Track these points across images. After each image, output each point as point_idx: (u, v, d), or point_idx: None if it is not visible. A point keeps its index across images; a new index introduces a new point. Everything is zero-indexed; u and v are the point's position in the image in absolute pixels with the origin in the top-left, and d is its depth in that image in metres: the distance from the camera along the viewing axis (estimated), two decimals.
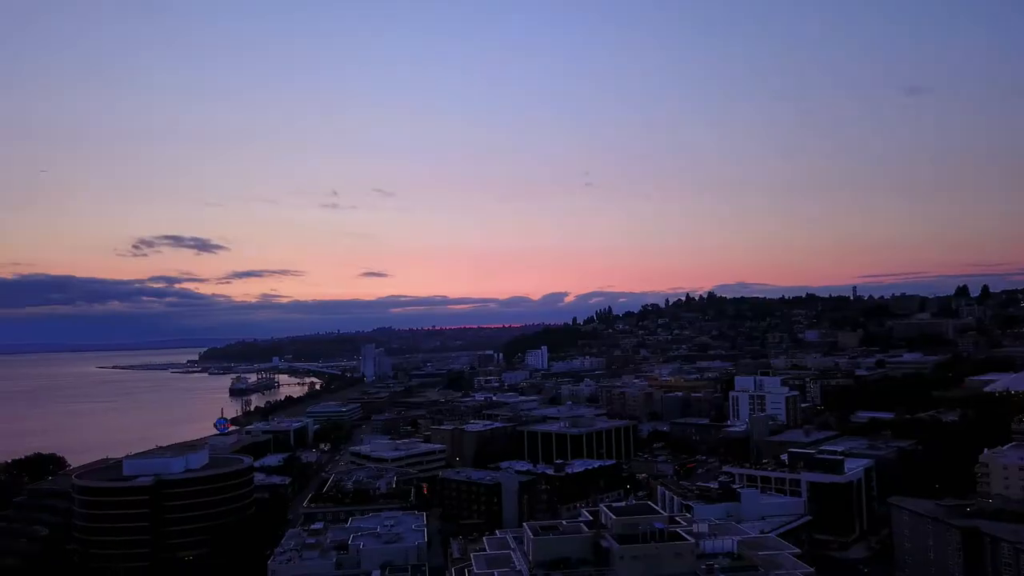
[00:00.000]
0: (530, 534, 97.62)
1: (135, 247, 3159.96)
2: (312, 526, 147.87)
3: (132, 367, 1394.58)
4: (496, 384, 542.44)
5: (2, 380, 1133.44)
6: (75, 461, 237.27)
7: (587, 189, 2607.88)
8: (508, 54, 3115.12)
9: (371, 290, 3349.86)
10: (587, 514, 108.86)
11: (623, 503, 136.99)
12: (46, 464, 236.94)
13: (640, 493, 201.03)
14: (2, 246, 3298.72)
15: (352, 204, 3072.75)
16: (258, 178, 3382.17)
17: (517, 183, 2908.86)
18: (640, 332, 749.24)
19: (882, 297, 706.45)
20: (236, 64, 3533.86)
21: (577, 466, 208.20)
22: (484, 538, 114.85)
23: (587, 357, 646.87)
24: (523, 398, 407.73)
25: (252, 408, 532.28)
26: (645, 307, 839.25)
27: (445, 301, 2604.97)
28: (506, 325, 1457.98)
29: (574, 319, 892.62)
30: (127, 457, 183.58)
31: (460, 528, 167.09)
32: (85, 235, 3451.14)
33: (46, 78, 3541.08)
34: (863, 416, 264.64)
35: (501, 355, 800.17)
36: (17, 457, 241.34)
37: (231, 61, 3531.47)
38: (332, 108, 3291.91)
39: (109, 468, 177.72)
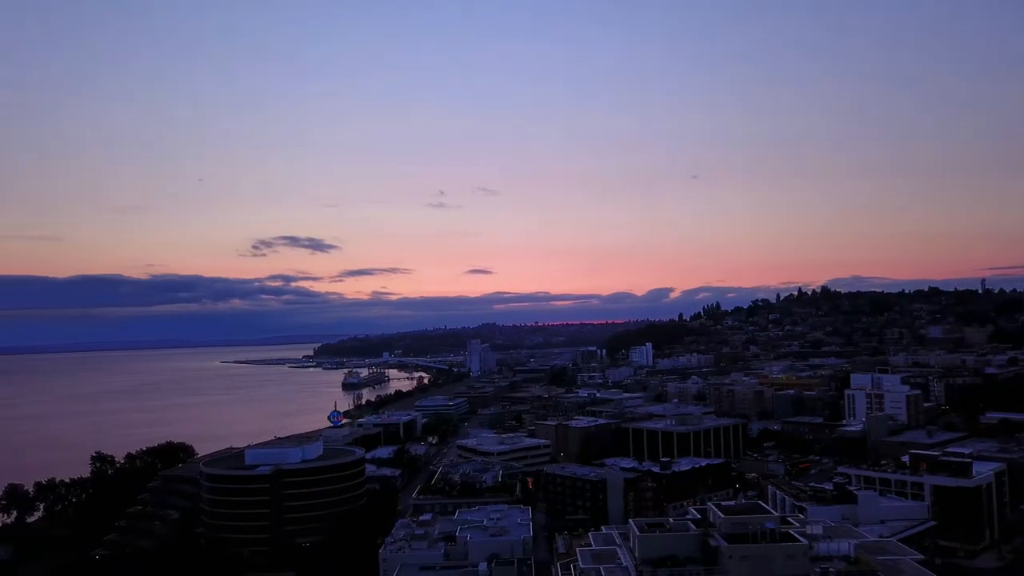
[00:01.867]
0: (636, 531, 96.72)
1: (255, 248, 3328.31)
2: (421, 517, 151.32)
3: (252, 362, 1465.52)
4: (599, 380, 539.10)
5: (137, 373, 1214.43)
6: (202, 450, 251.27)
7: (694, 182, 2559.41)
8: (610, 49, 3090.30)
9: (476, 287, 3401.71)
10: (695, 512, 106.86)
11: (732, 502, 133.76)
12: (176, 452, 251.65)
13: (750, 493, 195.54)
14: (137, 249, 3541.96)
15: (458, 203, 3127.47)
16: (369, 181, 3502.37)
17: (622, 178, 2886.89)
18: (750, 328, 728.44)
19: (1015, 290, 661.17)
20: (350, 75, 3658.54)
21: (684, 464, 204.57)
22: (589, 534, 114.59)
23: (694, 354, 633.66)
24: (627, 395, 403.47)
25: (363, 402, 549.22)
26: (755, 302, 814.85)
27: (548, 297, 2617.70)
28: (609, 321, 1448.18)
29: (680, 315, 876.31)
30: (249, 447, 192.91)
31: (565, 523, 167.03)
32: (210, 237, 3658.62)
33: (177, 90, 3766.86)
34: (993, 417, 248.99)
35: (604, 351, 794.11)
36: (151, 445, 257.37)
37: (346, 72, 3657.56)
38: (438, 111, 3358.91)
39: (232, 457, 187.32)
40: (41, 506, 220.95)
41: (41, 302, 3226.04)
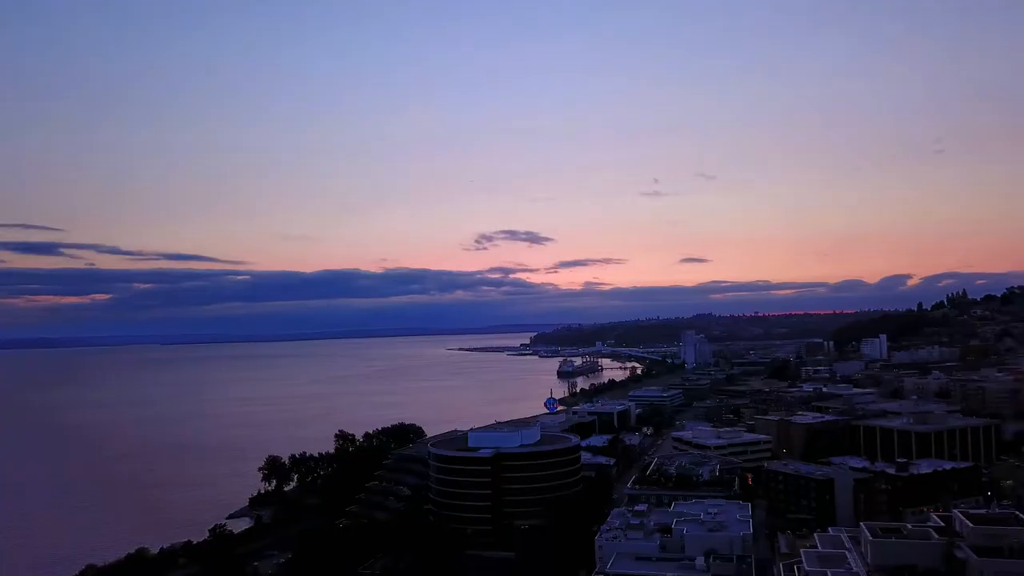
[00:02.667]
0: (868, 535, 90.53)
1: (477, 241, 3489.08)
2: (636, 507, 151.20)
3: (474, 349, 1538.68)
4: (826, 374, 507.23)
5: (372, 359, 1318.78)
6: (430, 431, 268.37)
7: (938, 157, 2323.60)
8: (830, 17, 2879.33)
9: (691, 276, 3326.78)
10: (937, 520, 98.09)
11: (983, 511, 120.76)
12: (407, 432, 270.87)
13: (1004, 502, 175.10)
14: (374, 245, 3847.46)
15: (673, 190, 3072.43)
16: (583, 173, 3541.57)
17: (853, 156, 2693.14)
18: (1004, 318, 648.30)
19: None
20: (565, 70, 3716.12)
21: (924, 467, 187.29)
22: (815, 535, 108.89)
23: (935, 347, 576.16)
24: (858, 390, 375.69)
25: (578, 390, 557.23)
26: (1010, 290, 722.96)
27: (768, 286, 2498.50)
28: (837, 311, 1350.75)
29: (919, 304, 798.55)
30: (471, 430, 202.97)
31: (787, 522, 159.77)
32: (438, 232, 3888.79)
33: (408, 94, 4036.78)
34: None
35: (831, 344, 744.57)
36: (385, 425, 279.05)
37: (561, 67, 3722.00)
38: (652, 98, 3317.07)
39: (457, 439, 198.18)
40: (295, 477, 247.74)
41: (295, 295, 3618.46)
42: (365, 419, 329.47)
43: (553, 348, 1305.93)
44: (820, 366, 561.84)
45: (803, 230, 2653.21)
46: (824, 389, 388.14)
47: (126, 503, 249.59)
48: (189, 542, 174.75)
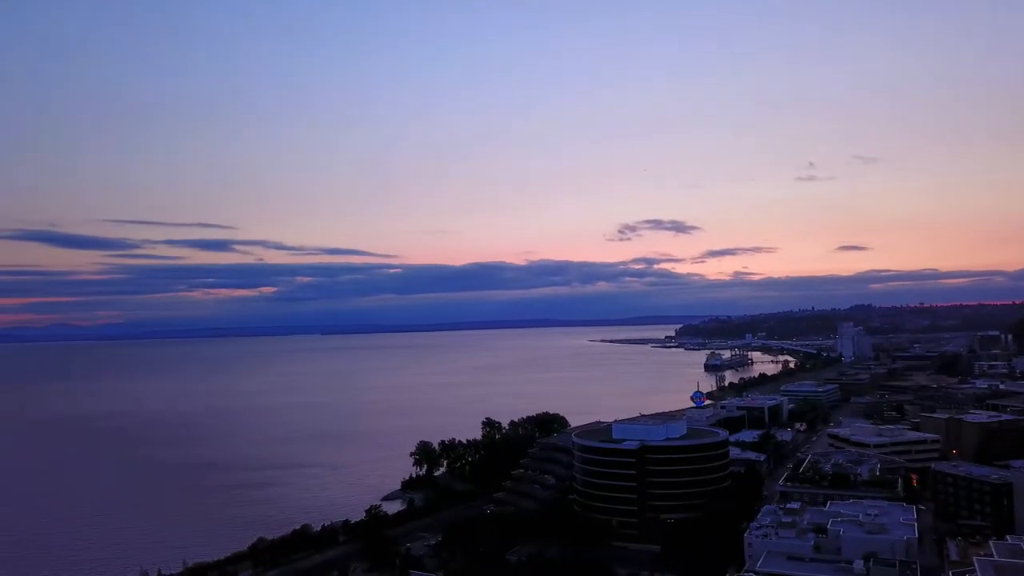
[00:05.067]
0: None
1: (620, 232, 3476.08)
2: (788, 505, 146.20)
3: (617, 341, 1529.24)
4: (1003, 370, 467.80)
5: (516, 349, 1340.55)
6: (574, 421, 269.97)
7: None
8: None
9: (848, 265, 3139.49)
10: None
11: None
12: (552, 422, 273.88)
13: None
14: (518, 238, 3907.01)
15: (830, 174, 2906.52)
16: (732, 158, 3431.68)
17: None
18: None
19: None
20: (710, 56, 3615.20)
21: None
22: (991, 542, 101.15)
23: None
24: None
25: (726, 384, 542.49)
26: None
27: (936, 275, 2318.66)
28: (1017, 302, 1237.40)
29: None
30: (616, 422, 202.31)
31: (958, 528, 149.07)
32: (580, 224, 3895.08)
33: (543, 84, 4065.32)
34: None
35: (1010, 337, 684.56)
36: (530, 414, 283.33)
37: (695, 51, 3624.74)
38: (805, 77, 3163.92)
39: (601, 430, 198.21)
40: (444, 462, 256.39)
41: (444, 286, 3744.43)
42: (510, 408, 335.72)
43: (700, 341, 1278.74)
44: (997, 361, 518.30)
45: (978, 213, 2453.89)
46: (1001, 386, 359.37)
47: (292, 482, 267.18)
48: (347, 521, 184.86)
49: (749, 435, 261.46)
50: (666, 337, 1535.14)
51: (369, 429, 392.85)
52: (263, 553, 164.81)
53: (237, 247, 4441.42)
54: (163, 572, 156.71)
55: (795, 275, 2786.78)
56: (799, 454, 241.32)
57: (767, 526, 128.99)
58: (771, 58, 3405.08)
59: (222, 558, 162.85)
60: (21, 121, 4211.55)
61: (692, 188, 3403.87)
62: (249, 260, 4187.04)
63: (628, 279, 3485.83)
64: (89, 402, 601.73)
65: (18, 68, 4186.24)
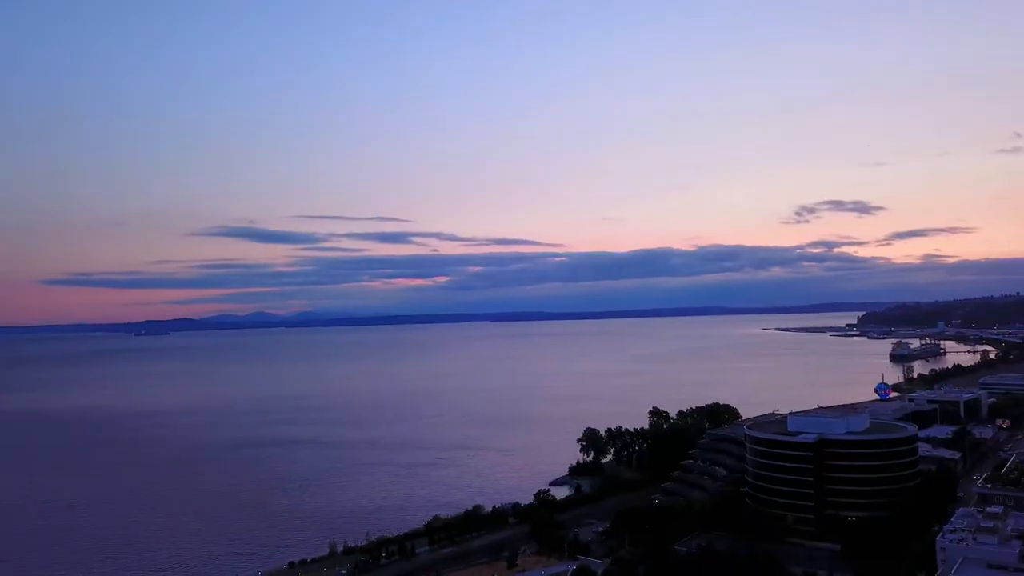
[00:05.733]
0: None
1: (797, 214, 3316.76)
2: (988, 508, 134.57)
3: (792, 329, 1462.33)
4: None
5: (686, 338, 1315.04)
6: (745, 413, 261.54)
7: None
8: None
9: None
10: None
11: None
12: (722, 413, 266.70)
13: None
14: (685, 223, 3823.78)
15: None
16: (922, 132, 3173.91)
17: None
18: None
19: None
20: (887, 18, 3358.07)
21: None
22: None
23: None
24: None
25: (914, 375, 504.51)
26: None
27: None
28: None
29: None
30: (791, 414, 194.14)
31: None
32: (753, 207, 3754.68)
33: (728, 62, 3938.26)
34: None
35: None
36: (699, 404, 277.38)
37: (884, 20, 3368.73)
38: (1005, 42, 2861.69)
39: (775, 422, 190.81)
40: (611, 450, 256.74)
41: (609, 274, 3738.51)
42: (677, 397, 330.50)
43: (884, 329, 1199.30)
44: None
45: None
46: None
47: (465, 464, 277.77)
48: (517, 504, 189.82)
49: (941, 431, 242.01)
50: (847, 325, 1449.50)
51: (536, 414, 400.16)
52: (438, 531, 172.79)
53: (414, 239, 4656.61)
54: (348, 544, 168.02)
55: (996, 257, 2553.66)
56: (1001, 453, 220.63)
57: (963, 530, 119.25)
58: (964, 26, 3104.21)
59: (400, 534, 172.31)
60: (223, 130, 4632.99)
61: (875, 166, 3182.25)
62: (424, 251, 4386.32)
63: (805, 264, 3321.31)
64: (311, 387, 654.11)
65: (220, 80, 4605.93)
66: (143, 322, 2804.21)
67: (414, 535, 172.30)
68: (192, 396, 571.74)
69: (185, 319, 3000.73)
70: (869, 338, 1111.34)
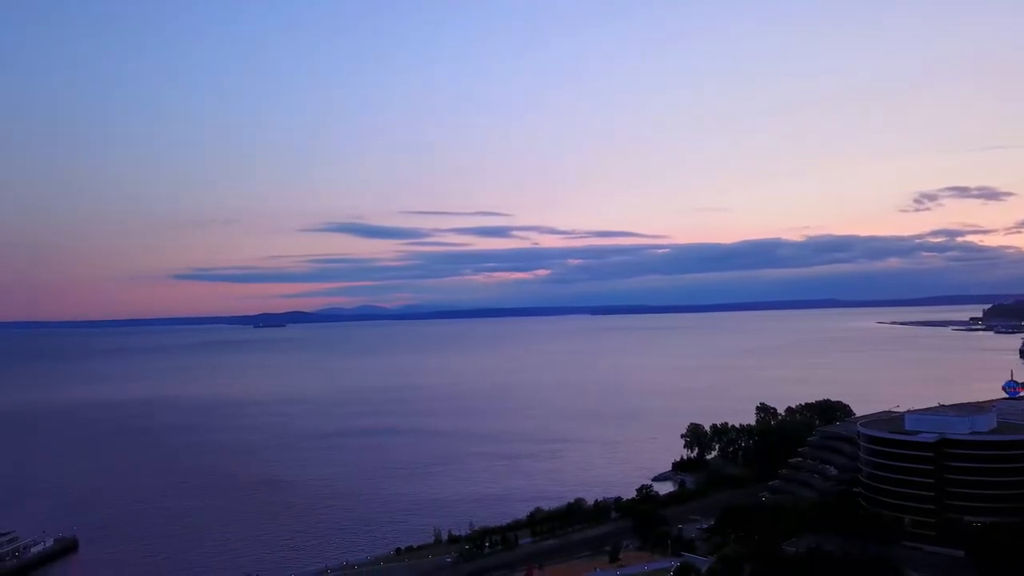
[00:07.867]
0: None
1: (916, 201, 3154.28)
2: None
3: (910, 323, 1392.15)
4: None
5: (794, 331, 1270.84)
6: (858, 410, 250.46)
7: None
8: None
9: None
10: None
11: None
12: (834, 410, 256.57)
13: None
14: (794, 213, 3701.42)
15: None
16: None
17: None
18: None
19: None
20: None
21: None
22: None
23: None
24: None
25: None
26: None
27: None
28: None
29: None
30: (909, 411, 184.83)
31: None
32: (867, 194, 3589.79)
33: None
34: None
35: None
36: (809, 401, 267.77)
37: None
38: None
39: (891, 420, 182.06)
40: (716, 446, 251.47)
41: (713, 266, 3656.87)
42: (785, 393, 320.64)
43: (1014, 323, 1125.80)
44: None
45: None
46: None
47: (568, 457, 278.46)
48: (619, 498, 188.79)
49: None
50: (971, 319, 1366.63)
51: (639, 408, 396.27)
52: (540, 523, 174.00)
53: (514, 233, 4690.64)
54: (453, 532, 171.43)
55: None
56: None
57: None
58: None
59: (503, 525, 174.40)
60: (332, 128, 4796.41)
61: (998, 149, 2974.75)
62: (525, 245, 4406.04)
63: (925, 254, 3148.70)
64: (425, 377, 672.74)
65: (329, 82, 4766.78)
66: (260, 315, 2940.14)
67: (516, 526, 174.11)
68: (308, 386, 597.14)
69: (298, 312, 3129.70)
70: (996, 332, 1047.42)
